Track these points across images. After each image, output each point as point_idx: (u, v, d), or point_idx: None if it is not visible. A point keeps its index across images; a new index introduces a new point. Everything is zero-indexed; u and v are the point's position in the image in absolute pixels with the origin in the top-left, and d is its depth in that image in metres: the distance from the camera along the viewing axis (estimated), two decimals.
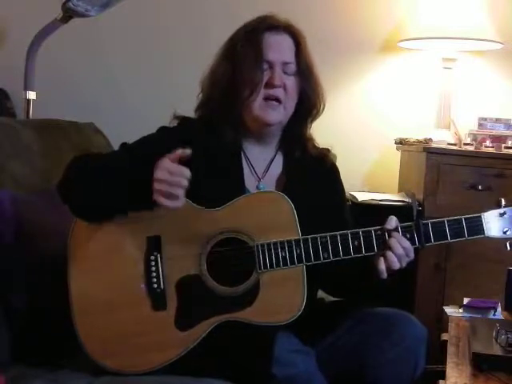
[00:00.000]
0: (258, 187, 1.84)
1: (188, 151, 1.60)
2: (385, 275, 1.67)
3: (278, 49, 1.78)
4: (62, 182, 1.73)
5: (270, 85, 1.76)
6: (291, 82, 1.79)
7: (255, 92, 1.76)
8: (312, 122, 1.89)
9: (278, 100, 1.78)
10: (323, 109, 1.88)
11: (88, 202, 1.68)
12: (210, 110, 1.84)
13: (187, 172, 1.57)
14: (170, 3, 3.04)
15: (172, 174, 1.57)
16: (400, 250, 1.65)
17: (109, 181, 1.65)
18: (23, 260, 1.84)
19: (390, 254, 1.65)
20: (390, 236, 1.66)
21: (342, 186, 1.96)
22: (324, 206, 1.82)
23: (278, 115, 1.79)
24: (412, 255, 1.67)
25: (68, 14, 2.49)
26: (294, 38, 1.81)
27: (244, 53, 1.77)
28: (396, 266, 1.66)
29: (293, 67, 1.80)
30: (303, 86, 1.82)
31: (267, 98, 1.77)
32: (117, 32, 3.02)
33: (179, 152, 1.59)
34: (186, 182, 1.57)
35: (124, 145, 1.80)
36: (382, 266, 1.66)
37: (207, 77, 1.85)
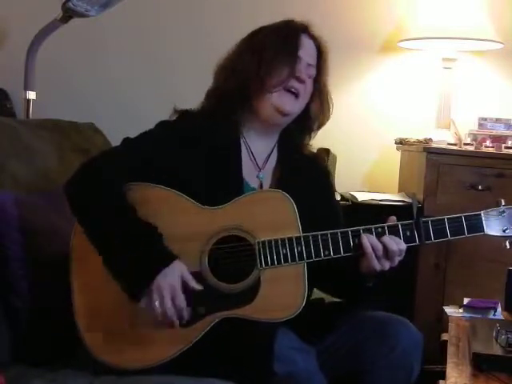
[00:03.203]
0: (257, 177, 1.85)
1: (199, 288, 1.64)
2: (377, 268, 1.68)
3: (308, 51, 1.84)
4: (72, 195, 1.71)
5: (297, 78, 1.80)
6: (309, 84, 1.85)
7: (282, 83, 1.79)
8: (315, 132, 1.93)
9: (296, 95, 1.82)
10: (326, 122, 1.91)
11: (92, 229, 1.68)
12: (219, 99, 1.85)
13: (185, 314, 1.62)
14: (170, 3, 3.04)
15: (175, 304, 1.61)
16: (388, 246, 1.67)
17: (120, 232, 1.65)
18: (24, 260, 1.84)
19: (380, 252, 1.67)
20: (389, 233, 1.68)
21: (334, 187, 2.01)
22: (315, 205, 1.82)
23: (294, 107, 1.83)
24: (403, 254, 1.69)
25: (68, 14, 2.49)
26: (319, 48, 1.88)
27: (278, 46, 1.81)
28: (383, 260, 1.67)
29: (314, 71, 1.85)
30: (314, 95, 1.87)
31: (288, 90, 1.80)
32: (117, 32, 3.03)
33: (192, 285, 1.63)
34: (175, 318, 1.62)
35: (126, 140, 1.79)
36: (373, 259, 1.67)
37: (223, 67, 1.87)
